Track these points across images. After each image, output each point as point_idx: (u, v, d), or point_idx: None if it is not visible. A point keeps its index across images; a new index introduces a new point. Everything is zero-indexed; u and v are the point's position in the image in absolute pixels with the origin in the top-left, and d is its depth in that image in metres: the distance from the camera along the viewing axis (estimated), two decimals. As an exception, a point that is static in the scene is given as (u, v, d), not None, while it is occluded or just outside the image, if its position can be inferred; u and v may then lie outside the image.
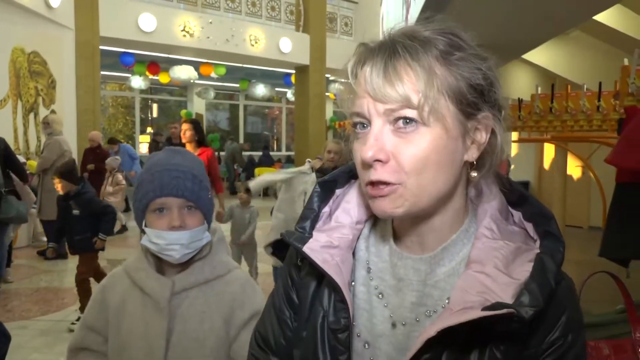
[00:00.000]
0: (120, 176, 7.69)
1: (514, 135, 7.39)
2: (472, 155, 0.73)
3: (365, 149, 0.69)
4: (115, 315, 1.32)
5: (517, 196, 0.80)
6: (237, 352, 1.31)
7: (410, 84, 0.67)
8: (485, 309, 0.66)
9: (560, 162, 8.65)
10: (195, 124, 4.97)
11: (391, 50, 0.69)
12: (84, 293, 4.15)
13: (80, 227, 4.16)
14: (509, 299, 0.67)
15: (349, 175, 0.88)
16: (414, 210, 0.71)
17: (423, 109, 0.67)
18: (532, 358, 0.73)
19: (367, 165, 0.70)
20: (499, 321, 0.66)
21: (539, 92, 4.90)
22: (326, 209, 0.86)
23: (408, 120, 0.68)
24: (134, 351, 1.27)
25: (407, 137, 0.69)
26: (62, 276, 5.86)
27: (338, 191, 0.88)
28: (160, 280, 1.30)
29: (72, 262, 6.32)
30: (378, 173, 0.70)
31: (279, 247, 0.93)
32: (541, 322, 0.71)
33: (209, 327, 1.29)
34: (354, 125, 0.73)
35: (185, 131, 4.87)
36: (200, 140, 4.93)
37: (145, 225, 1.28)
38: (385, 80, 0.68)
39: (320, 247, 0.79)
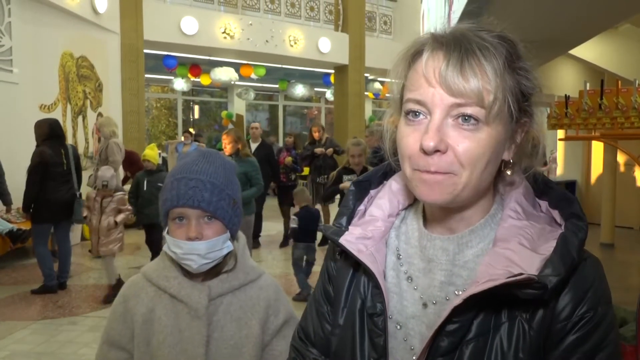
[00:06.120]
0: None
1: (561, 133, 7.15)
2: (509, 155, 0.79)
3: (426, 138, 0.72)
4: (143, 327, 1.25)
5: (543, 185, 0.83)
6: None
7: (484, 83, 0.71)
8: (508, 278, 0.70)
9: (609, 160, 8.33)
10: None
11: (467, 46, 0.72)
12: None
13: None
14: (533, 272, 0.71)
15: (382, 176, 0.95)
16: (457, 200, 0.76)
17: (492, 108, 0.71)
18: (562, 331, 0.74)
19: (423, 153, 0.73)
20: (523, 289, 0.70)
21: (588, 88, 4.72)
22: (361, 207, 0.93)
23: (467, 118, 0.72)
24: None
25: (466, 132, 0.72)
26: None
27: (372, 192, 0.95)
28: (196, 286, 1.25)
29: (119, 261, 6.51)
30: (436, 163, 0.73)
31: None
32: (568, 295, 0.74)
33: (246, 333, 1.26)
34: (407, 112, 0.76)
35: None
36: None
37: (167, 232, 1.25)
38: (462, 74, 0.71)
39: (355, 239, 0.87)
